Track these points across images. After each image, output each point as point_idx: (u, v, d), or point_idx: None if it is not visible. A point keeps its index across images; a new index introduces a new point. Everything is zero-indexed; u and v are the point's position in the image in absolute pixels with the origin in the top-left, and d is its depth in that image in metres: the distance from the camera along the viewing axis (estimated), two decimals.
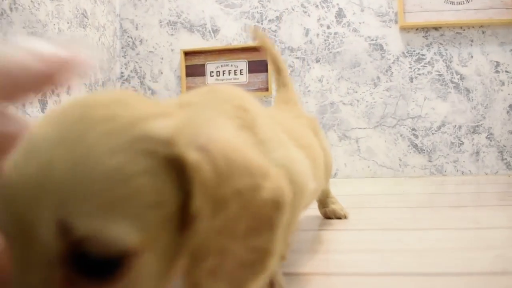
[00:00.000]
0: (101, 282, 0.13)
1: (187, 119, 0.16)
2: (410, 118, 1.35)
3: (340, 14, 1.38)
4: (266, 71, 1.38)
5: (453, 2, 1.36)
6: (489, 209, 0.67)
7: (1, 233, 0.14)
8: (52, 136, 0.14)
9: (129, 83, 1.47)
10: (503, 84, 1.35)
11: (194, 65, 1.42)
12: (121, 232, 0.13)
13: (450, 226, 0.53)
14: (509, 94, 1.35)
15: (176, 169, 0.15)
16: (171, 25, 1.45)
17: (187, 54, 1.42)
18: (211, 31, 1.44)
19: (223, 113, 0.23)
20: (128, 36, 1.48)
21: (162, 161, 0.15)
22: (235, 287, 0.15)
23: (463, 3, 1.35)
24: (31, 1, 1.20)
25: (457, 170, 1.35)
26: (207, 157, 0.15)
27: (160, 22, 1.46)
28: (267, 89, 1.39)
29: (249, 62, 1.40)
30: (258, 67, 1.39)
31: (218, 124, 0.19)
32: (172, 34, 1.46)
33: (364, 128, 1.37)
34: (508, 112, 1.35)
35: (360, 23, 1.38)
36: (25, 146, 0.14)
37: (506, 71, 1.35)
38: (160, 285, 0.15)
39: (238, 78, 1.40)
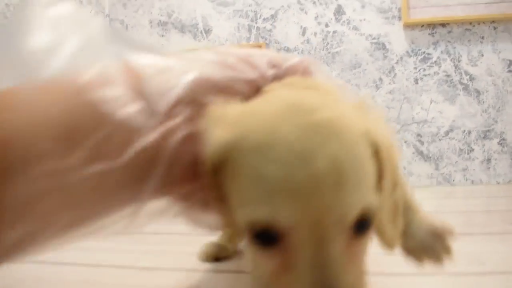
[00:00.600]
0: (361, 238, 0.19)
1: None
2: (415, 123, 1.25)
3: (339, 11, 1.29)
4: None
5: None
6: (500, 239, 0.57)
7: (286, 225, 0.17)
8: (315, 136, 0.17)
9: None
10: None
11: None
12: (374, 201, 0.18)
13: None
14: None
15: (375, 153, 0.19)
16: (161, 25, 1.37)
17: None
18: (203, 31, 1.36)
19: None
20: None
21: (371, 149, 0.19)
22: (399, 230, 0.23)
23: None
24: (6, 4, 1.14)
25: (467, 179, 1.25)
26: (387, 145, 0.20)
27: (150, 23, 1.39)
28: None
29: None
30: None
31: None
32: (162, 35, 1.38)
33: None
34: None
35: (360, 20, 1.28)
36: (289, 143, 0.17)
37: None
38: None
39: None
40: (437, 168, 1.25)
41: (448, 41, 1.26)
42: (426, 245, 0.28)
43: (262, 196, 0.17)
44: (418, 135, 1.26)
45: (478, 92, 1.25)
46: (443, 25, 1.26)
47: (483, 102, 1.25)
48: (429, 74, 1.26)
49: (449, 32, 1.26)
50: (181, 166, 0.20)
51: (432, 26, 1.26)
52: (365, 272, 0.19)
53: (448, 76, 1.26)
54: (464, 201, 0.96)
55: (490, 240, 0.56)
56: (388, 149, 0.20)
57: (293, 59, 0.24)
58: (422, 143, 1.25)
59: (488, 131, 1.24)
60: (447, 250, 0.28)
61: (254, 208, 0.18)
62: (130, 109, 0.19)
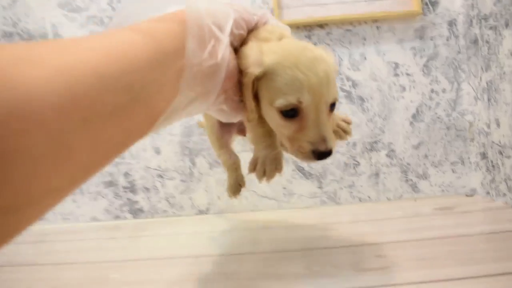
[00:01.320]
0: (331, 112, 0.45)
1: None
2: None
3: None
4: None
5: None
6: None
7: (304, 102, 0.41)
8: (314, 61, 0.42)
9: None
10: (404, 89, 1.11)
11: None
12: (338, 95, 0.46)
13: None
14: (411, 101, 1.11)
15: None
16: (7, 36, 1.19)
17: None
18: None
19: None
20: None
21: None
22: None
23: None
24: None
25: (354, 197, 1.11)
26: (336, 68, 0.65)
27: None
28: None
29: None
30: None
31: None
32: None
33: (240, 152, 1.12)
34: (411, 123, 1.11)
35: None
36: (305, 65, 0.41)
37: (407, 74, 1.11)
38: None
39: None
40: (320, 186, 1.11)
41: (327, 44, 1.11)
42: None
43: (294, 90, 0.41)
44: None
45: (362, 99, 1.11)
46: (321, 26, 1.12)
47: (368, 110, 1.11)
48: None
49: (328, 33, 1.11)
50: (229, 75, 0.38)
51: (309, 27, 1.12)
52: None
53: None
54: (348, 226, 0.82)
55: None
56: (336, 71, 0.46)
57: (259, 12, 0.45)
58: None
59: (375, 142, 1.11)
60: None
61: (289, 96, 0.41)
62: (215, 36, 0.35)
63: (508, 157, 0.96)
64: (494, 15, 0.98)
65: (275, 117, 0.44)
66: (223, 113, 0.44)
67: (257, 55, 0.42)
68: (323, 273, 0.50)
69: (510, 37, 0.91)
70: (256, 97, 0.45)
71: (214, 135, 0.75)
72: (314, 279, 0.48)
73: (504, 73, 0.96)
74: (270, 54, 0.43)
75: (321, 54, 0.44)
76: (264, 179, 0.52)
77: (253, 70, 0.42)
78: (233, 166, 0.74)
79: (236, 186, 0.77)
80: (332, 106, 0.44)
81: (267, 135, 0.49)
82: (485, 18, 1.01)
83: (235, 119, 0.47)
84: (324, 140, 0.42)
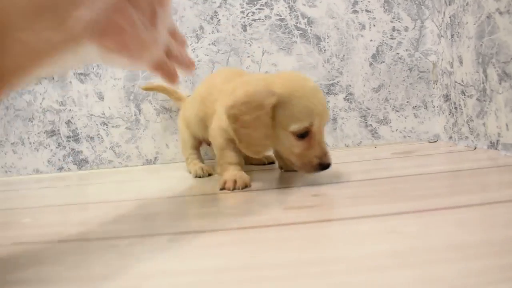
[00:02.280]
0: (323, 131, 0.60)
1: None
2: None
3: None
4: None
5: None
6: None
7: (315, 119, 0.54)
8: (315, 90, 0.56)
9: None
10: (363, 27, 1.03)
11: None
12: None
13: None
14: (371, 40, 1.03)
15: None
16: None
17: None
18: None
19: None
20: None
21: None
22: None
23: None
24: None
25: None
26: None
27: None
28: None
29: None
30: None
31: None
32: None
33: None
34: (371, 64, 1.03)
35: None
36: (311, 94, 0.55)
37: (367, 11, 1.03)
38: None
39: None
40: None
41: None
42: None
43: (307, 116, 0.53)
44: None
45: (318, 38, 1.03)
46: None
47: (325, 50, 1.03)
48: (259, 19, 1.03)
49: None
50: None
51: None
52: None
53: (282, 20, 1.03)
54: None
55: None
56: None
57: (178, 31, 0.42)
58: None
59: (332, 85, 1.03)
60: None
61: (304, 121, 0.53)
62: None
63: (470, 96, 0.89)
64: None
65: (288, 138, 0.55)
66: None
67: (266, 88, 0.55)
68: (250, 211, 0.45)
69: None
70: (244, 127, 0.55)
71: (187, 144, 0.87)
72: (240, 217, 0.42)
73: (467, 4, 0.88)
74: (278, 85, 0.55)
75: (315, 84, 0.60)
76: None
77: (270, 100, 0.53)
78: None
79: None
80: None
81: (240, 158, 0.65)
82: None
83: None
84: (325, 154, 0.55)
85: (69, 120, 1.08)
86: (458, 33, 0.92)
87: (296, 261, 0.27)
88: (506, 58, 0.74)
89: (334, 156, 0.59)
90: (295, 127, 0.54)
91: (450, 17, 0.95)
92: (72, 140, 1.08)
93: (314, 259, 0.28)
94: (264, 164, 0.89)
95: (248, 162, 0.87)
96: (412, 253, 0.28)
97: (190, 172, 0.80)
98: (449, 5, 0.95)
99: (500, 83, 0.77)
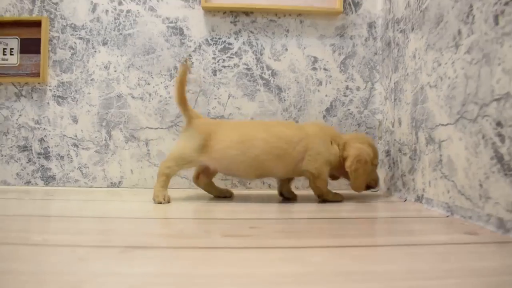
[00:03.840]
0: None
1: None
2: (211, 118, 1.13)
3: None
4: (39, 52, 1.12)
5: None
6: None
7: None
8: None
9: None
10: (320, 83, 1.16)
11: None
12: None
13: None
14: (326, 95, 1.16)
15: None
16: None
17: None
18: None
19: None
20: None
21: None
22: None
23: None
24: None
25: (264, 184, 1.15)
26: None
27: None
28: (38, 75, 1.12)
29: (21, 40, 1.13)
30: (31, 46, 1.13)
31: None
32: None
33: (156, 129, 1.14)
34: (324, 116, 1.15)
35: (158, 1, 1.14)
36: (371, 140, 0.97)
37: (325, 69, 1.16)
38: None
39: (7, 59, 1.13)
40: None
41: (251, 32, 1.14)
42: None
43: (377, 154, 1.06)
44: None
45: (279, 89, 1.15)
46: (246, 13, 1.14)
47: (285, 100, 1.15)
48: (228, 66, 1.14)
49: (253, 21, 1.14)
50: None
51: (235, 14, 1.14)
52: None
53: (248, 69, 1.14)
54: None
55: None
56: None
57: None
58: None
59: None
60: None
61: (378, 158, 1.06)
62: None
63: (405, 154, 1.02)
64: (404, 19, 1.03)
65: (372, 170, 0.98)
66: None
67: (366, 152, 0.93)
68: (192, 236, 0.54)
69: (414, 40, 0.97)
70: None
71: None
72: (183, 239, 0.52)
73: (407, 74, 1.01)
74: (369, 148, 0.95)
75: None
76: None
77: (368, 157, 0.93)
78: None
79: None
80: None
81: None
82: (397, 22, 1.07)
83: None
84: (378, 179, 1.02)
85: (42, 138, 1.15)
86: (399, 98, 1.05)
87: (218, 274, 0.37)
88: (432, 125, 0.87)
89: (288, 203, 0.69)
90: (377, 161, 0.98)
91: (394, 83, 1.09)
92: (43, 157, 1.15)
93: (230, 273, 0.38)
94: (226, 196, 0.99)
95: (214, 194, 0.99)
96: (308, 275, 0.37)
97: (157, 198, 0.86)
98: (395, 72, 1.08)
99: (426, 146, 0.90)
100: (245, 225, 0.63)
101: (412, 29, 0.98)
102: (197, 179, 0.97)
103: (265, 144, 0.87)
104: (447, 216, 0.77)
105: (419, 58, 0.94)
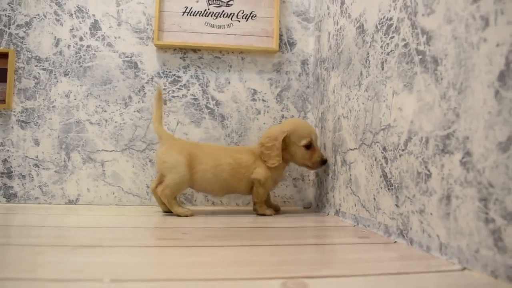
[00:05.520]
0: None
1: None
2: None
3: (95, 26, 1.28)
4: (5, 81, 1.25)
5: (213, 25, 1.31)
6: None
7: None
8: (308, 124, 1.13)
9: None
10: (259, 112, 1.32)
11: None
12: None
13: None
14: (264, 123, 1.32)
15: None
16: None
17: None
18: None
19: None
20: None
21: None
22: None
23: (224, 27, 1.31)
24: None
25: (208, 201, 1.29)
26: None
27: None
28: (4, 101, 1.25)
29: None
30: None
31: None
32: None
33: (111, 151, 1.27)
34: None
35: (115, 37, 1.29)
36: (306, 125, 1.12)
37: (263, 100, 1.32)
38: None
39: None
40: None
41: (198, 66, 1.30)
42: None
43: (308, 134, 1.08)
44: None
45: (223, 117, 1.30)
46: (194, 50, 1.30)
47: (227, 127, 1.30)
48: (177, 96, 1.29)
49: (200, 58, 1.30)
50: None
51: (184, 50, 1.30)
52: None
53: (195, 99, 1.30)
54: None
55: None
56: None
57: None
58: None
59: None
60: None
61: (308, 137, 1.08)
62: None
63: (328, 174, 1.18)
64: (327, 59, 1.22)
65: (301, 151, 1.08)
66: None
67: (279, 130, 1.09)
68: (131, 239, 0.66)
69: (334, 77, 1.14)
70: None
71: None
72: (122, 240, 0.64)
73: (329, 106, 1.19)
74: (286, 127, 1.09)
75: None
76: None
77: (281, 135, 1.07)
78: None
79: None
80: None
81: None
82: (323, 61, 1.25)
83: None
84: (322, 154, 1.11)
85: (5, 159, 1.27)
86: (324, 126, 1.22)
87: (146, 263, 0.49)
88: (345, 149, 1.03)
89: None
90: (303, 141, 1.07)
91: (321, 113, 1.26)
92: (6, 176, 1.27)
93: (156, 262, 0.50)
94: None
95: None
96: (213, 262, 0.47)
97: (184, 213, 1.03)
98: (321, 104, 1.26)
99: (341, 167, 1.06)
100: (179, 231, 0.77)
101: (332, 68, 1.16)
102: (155, 188, 1.08)
103: (230, 168, 1.07)
104: (354, 226, 0.93)
105: (336, 93, 1.12)
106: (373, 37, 0.87)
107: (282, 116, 1.32)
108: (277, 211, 1.16)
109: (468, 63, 0.55)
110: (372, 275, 0.48)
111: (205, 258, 0.55)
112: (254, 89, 1.31)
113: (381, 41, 0.82)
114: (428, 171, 0.63)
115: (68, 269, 0.48)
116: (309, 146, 1.07)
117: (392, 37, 0.77)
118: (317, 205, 1.27)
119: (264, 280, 0.45)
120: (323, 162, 1.09)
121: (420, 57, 0.67)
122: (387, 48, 0.79)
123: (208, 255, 0.57)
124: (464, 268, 0.53)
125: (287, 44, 1.34)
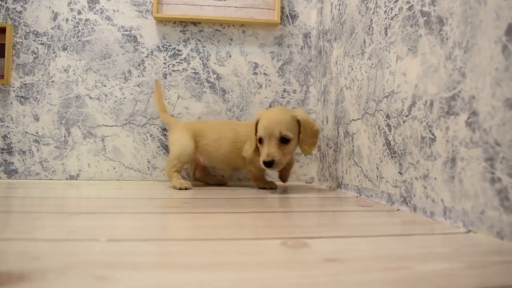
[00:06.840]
0: (285, 145, 0.93)
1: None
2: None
3: (93, 0, 1.26)
4: (3, 56, 1.23)
5: None
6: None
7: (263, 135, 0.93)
8: (277, 114, 0.94)
9: None
10: (260, 86, 1.30)
11: None
12: (290, 134, 0.92)
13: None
14: (266, 97, 1.30)
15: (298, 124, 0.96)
16: None
17: None
18: None
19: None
20: None
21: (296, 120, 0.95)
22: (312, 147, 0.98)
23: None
24: None
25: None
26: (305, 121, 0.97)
27: None
28: (3, 77, 1.23)
29: None
30: None
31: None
32: None
33: (112, 126, 1.26)
34: None
35: (114, 11, 1.26)
36: (266, 115, 0.96)
37: (265, 74, 1.30)
38: (292, 153, 1.01)
39: None
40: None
41: (199, 40, 1.28)
42: None
43: (261, 129, 0.94)
44: (164, 129, 1.27)
45: (224, 91, 1.29)
46: (194, 23, 1.28)
47: (228, 101, 1.29)
48: (178, 70, 1.27)
49: (200, 31, 1.28)
50: None
51: (184, 23, 1.27)
52: (288, 157, 0.96)
53: (196, 73, 1.28)
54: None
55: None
56: (305, 123, 0.97)
57: None
58: (166, 137, 1.26)
59: None
60: None
61: (260, 132, 0.94)
62: None
63: (330, 147, 1.17)
64: (330, 30, 1.19)
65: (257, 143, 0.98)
66: None
67: (259, 113, 1.00)
68: (131, 207, 0.66)
69: (336, 48, 1.12)
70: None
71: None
72: (120, 208, 0.64)
73: (332, 78, 1.16)
74: (261, 114, 0.98)
75: (290, 110, 0.99)
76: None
77: (256, 121, 0.99)
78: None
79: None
80: (282, 139, 0.92)
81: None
82: (326, 33, 1.22)
83: None
84: (268, 155, 0.89)
85: (5, 135, 1.26)
86: (327, 99, 1.21)
87: (144, 225, 0.49)
88: (347, 121, 1.02)
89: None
90: (257, 135, 0.95)
91: (323, 86, 1.24)
92: (6, 152, 1.26)
93: (156, 224, 0.50)
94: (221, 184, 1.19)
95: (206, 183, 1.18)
96: (215, 225, 0.47)
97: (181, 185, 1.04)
98: (324, 76, 1.24)
99: (344, 139, 1.05)
100: (180, 202, 0.77)
101: (335, 39, 1.14)
102: (194, 175, 1.19)
103: (230, 142, 1.07)
104: (356, 197, 0.92)
105: (339, 64, 1.10)
106: (376, 3, 0.84)
107: (284, 90, 1.31)
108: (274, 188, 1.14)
109: (474, 20, 0.52)
110: (374, 236, 0.47)
111: (205, 222, 0.55)
112: (255, 63, 1.29)
113: (385, 6, 0.79)
114: (433, 135, 0.61)
115: (64, 231, 0.47)
116: (260, 140, 0.94)
117: (396, 1, 0.74)
118: (319, 179, 1.26)
119: (264, 240, 0.44)
120: (266, 163, 0.89)
121: (424, 18, 0.65)
122: (391, 12, 0.77)
123: (209, 220, 0.57)
124: (469, 231, 0.52)
125: (289, 16, 1.31)
